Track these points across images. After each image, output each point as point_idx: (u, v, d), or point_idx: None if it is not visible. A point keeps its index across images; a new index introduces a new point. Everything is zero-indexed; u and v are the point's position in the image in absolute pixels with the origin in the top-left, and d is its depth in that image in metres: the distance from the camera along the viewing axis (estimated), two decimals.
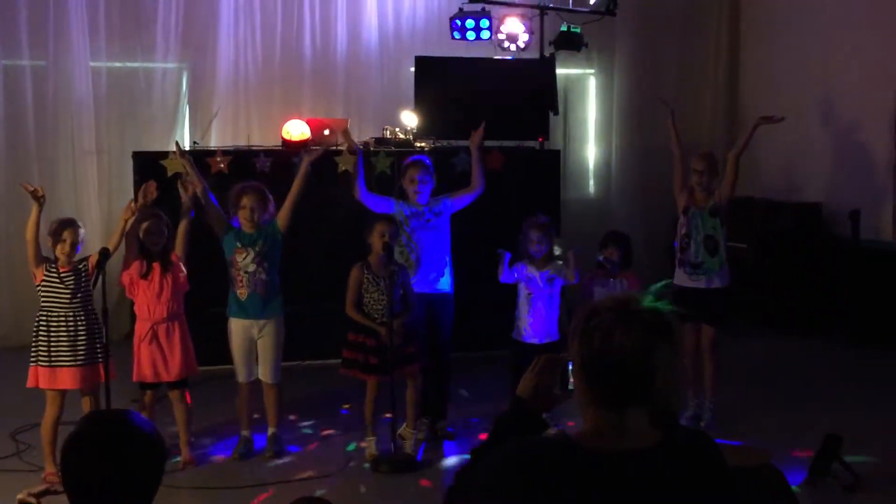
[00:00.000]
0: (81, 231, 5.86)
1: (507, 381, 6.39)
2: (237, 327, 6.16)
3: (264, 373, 6.20)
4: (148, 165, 7.92)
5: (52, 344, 5.71)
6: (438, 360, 6.52)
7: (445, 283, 6.55)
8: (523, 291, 6.44)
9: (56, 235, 5.79)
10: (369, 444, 6.17)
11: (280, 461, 6.12)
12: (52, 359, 5.71)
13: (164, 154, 8.04)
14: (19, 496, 2.92)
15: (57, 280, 5.74)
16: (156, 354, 5.94)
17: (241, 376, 6.21)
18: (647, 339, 2.22)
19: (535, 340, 6.35)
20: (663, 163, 10.37)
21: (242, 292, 6.12)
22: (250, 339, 6.16)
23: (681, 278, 6.70)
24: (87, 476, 2.44)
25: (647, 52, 10.79)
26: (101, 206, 9.32)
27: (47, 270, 5.76)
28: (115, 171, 9.28)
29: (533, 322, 6.40)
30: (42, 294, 5.77)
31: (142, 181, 7.81)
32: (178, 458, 5.93)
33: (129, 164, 8.15)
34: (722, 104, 11.05)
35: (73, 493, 2.46)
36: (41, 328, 5.75)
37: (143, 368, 5.94)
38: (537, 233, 6.40)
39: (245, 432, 6.25)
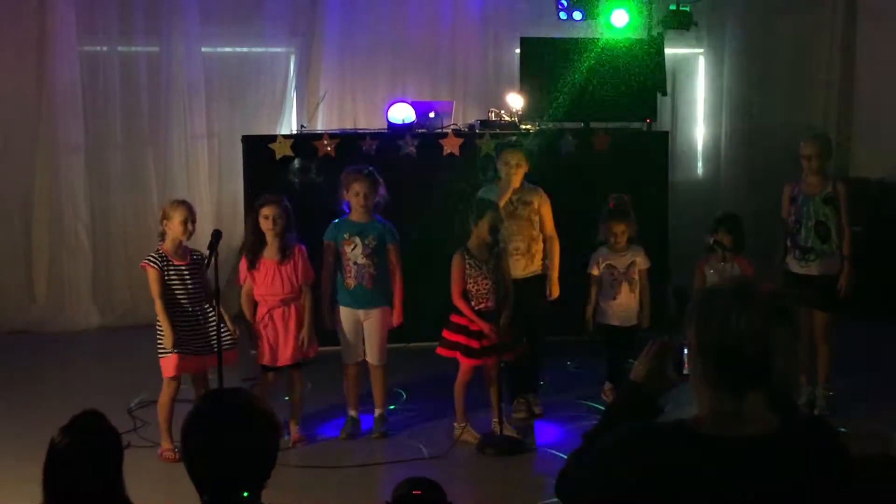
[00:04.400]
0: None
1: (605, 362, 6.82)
2: (345, 313, 6.21)
3: (371, 354, 6.25)
4: (257, 149, 8.06)
5: (176, 334, 5.78)
6: (531, 339, 6.48)
7: (538, 264, 6.54)
8: (607, 278, 6.67)
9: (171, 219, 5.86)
10: (464, 431, 6.11)
11: (387, 442, 6.17)
12: (178, 348, 5.79)
13: (273, 137, 8.17)
14: None
15: (174, 276, 5.80)
16: (271, 337, 6.03)
17: (348, 358, 6.27)
18: (767, 321, 2.19)
19: (621, 323, 6.67)
20: (774, 144, 10.19)
21: (350, 282, 6.16)
22: (357, 321, 6.21)
23: (791, 264, 6.53)
24: (206, 452, 2.49)
25: (759, 30, 10.48)
26: (211, 190, 9.52)
27: (164, 269, 5.79)
28: (224, 154, 9.47)
29: (618, 306, 6.67)
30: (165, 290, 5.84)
31: (251, 164, 8.06)
32: (288, 437, 6.03)
33: (239, 147, 8.29)
34: (837, 84, 10.67)
35: (193, 468, 2.51)
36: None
37: (264, 351, 6.05)
38: (622, 226, 6.62)
39: (352, 413, 6.31)
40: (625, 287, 6.64)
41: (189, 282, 5.84)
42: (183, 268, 5.84)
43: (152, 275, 5.79)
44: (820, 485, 2.22)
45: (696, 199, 10.07)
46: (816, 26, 10.69)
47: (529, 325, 6.43)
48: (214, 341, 5.65)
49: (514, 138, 6.83)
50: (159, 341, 5.82)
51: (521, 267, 6.45)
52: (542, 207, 6.56)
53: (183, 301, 5.82)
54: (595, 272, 6.70)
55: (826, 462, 2.25)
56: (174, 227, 5.83)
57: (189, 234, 5.85)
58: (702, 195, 10.32)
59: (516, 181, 6.45)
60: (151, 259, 5.83)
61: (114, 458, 3.10)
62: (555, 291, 6.61)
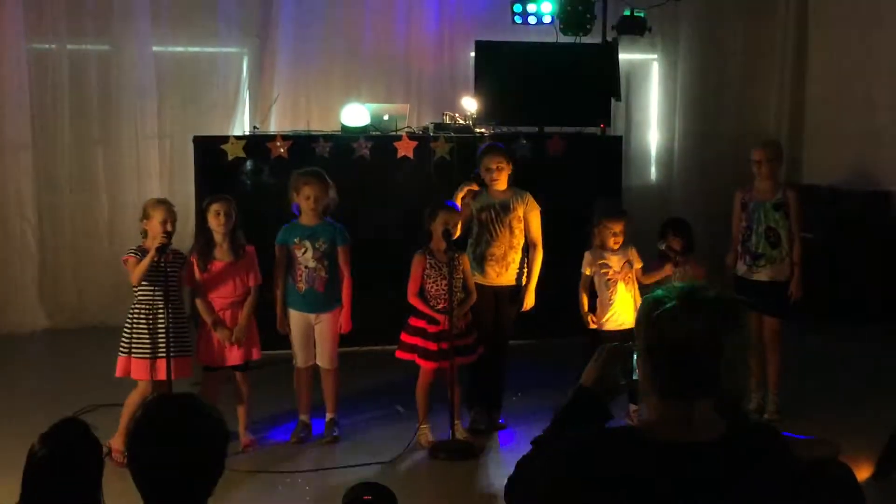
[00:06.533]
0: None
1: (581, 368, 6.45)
2: (296, 317, 6.16)
3: (322, 358, 6.20)
4: (209, 150, 7.97)
5: (153, 336, 5.72)
6: (497, 352, 6.44)
7: (512, 274, 6.42)
8: (602, 279, 6.40)
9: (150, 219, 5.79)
10: (423, 432, 6.13)
11: (338, 446, 6.13)
12: (155, 351, 5.72)
13: (225, 138, 8.08)
14: None
15: (152, 271, 5.70)
16: (220, 338, 5.96)
17: (300, 361, 6.22)
18: (714, 326, 2.19)
19: (619, 326, 6.32)
20: (727, 149, 10.29)
21: (301, 286, 6.11)
22: (308, 325, 6.16)
23: (742, 269, 6.59)
24: (152, 459, 2.44)
25: (712, 37, 10.62)
26: (162, 190, 9.35)
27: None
28: (176, 155, 9.34)
29: (617, 307, 6.36)
30: (141, 289, 5.76)
31: (203, 165, 7.96)
32: (237, 442, 5.96)
33: (190, 148, 8.20)
34: (788, 91, 10.82)
35: (138, 476, 2.45)
36: (138, 321, 5.74)
37: (210, 352, 5.97)
38: (620, 224, 6.36)
39: (303, 417, 6.26)
40: (620, 287, 6.36)
41: (165, 279, 5.75)
42: (162, 265, 5.75)
43: (132, 262, 5.73)
44: (768, 490, 2.22)
45: (650, 203, 10.15)
46: (768, 33, 10.85)
47: (496, 339, 6.37)
48: (182, 346, 5.72)
49: (490, 142, 6.72)
50: (123, 342, 5.77)
51: (493, 275, 6.34)
52: (529, 214, 6.38)
53: (158, 299, 5.74)
54: (588, 272, 6.41)
55: (774, 467, 2.25)
56: (153, 226, 5.77)
57: (169, 234, 5.75)
58: (655, 199, 10.41)
59: (500, 184, 6.36)
60: (132, 251, 5.80)
61: (94, 468, 3.05)
62: (528, 302, 6.41)
